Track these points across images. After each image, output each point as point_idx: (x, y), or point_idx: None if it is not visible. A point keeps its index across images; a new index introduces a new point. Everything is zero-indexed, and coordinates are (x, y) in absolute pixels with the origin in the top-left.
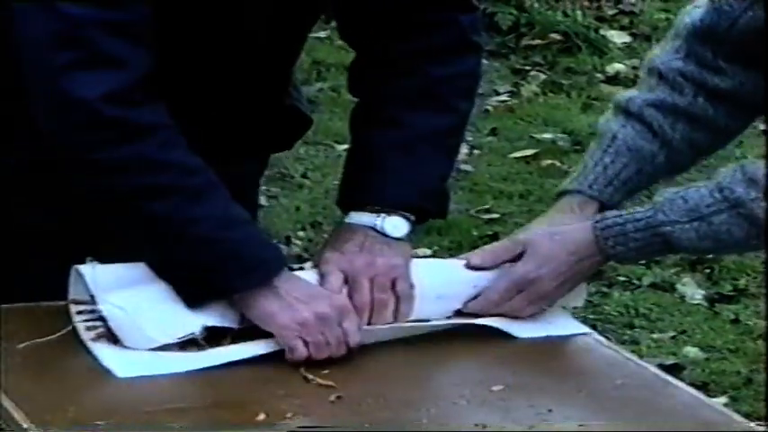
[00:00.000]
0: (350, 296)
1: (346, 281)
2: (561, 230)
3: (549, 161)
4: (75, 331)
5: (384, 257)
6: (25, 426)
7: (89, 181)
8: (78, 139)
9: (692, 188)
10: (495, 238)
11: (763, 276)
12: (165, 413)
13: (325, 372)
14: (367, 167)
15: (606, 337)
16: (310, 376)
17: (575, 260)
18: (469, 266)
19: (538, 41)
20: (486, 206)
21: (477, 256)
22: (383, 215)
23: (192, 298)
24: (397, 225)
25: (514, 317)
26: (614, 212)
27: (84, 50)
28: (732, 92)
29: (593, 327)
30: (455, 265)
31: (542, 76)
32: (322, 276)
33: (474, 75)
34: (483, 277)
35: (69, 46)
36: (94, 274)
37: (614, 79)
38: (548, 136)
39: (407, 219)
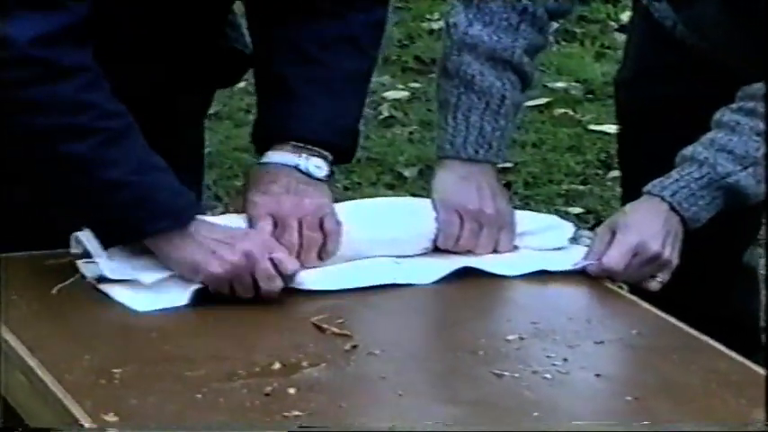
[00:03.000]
0: (278, 237)
1: (275, 223)
2: (633, 213)
3: (563, 110)
4: (83, 278)
5: (310, 198)
6: (41, 374)
7: (9, 120)
8: (2, 77)
9: (719, 137)
10: (508, 186)
11: None
12: (180, 362)
13: (340, 321)
14: (285, 103)
15: (620, 286)
16: (325, 326)
17: (667, 231)
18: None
19: None
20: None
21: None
22: (305, 155)
23: (107, 240)
24: (319, 166)
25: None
26: (668, 180)
27: None
28: (569, 11)
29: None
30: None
31: (555, 25)
32: (250, 220)
33: (384, 25)
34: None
35: None
36: (91, 237)
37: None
38: (561, 85)
39: (326, 159)
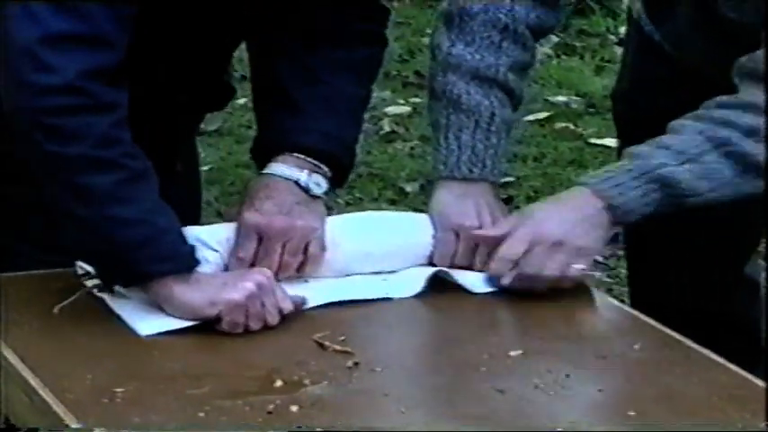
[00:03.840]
0: (259, 257)
1: (260, 240)
2: (542, 203)
3: (563, 124)
4: (88, 294)
5: (302, 220)
6: (43, 393)
7: (40, 145)
8: (42, 103)
9: (663, 138)
10: (509, 201)
11: None
12: (183, 380)
13: (342, 338)
14: (289, 116)
15: (622, 301)
16: (326, 343)
17: (579, 217)
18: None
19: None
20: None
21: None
22: (306, 171)
23: (109, 279)
24: (319, 183)
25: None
26: (598, 171)
27: (82, 25)
28: (557, 25)
29: (609, 290)
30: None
31: (555, 39)
32: (238, 234)
33: (380, 64)
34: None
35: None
36: None
37: None
38: (561, 98)
39: (325, 176)
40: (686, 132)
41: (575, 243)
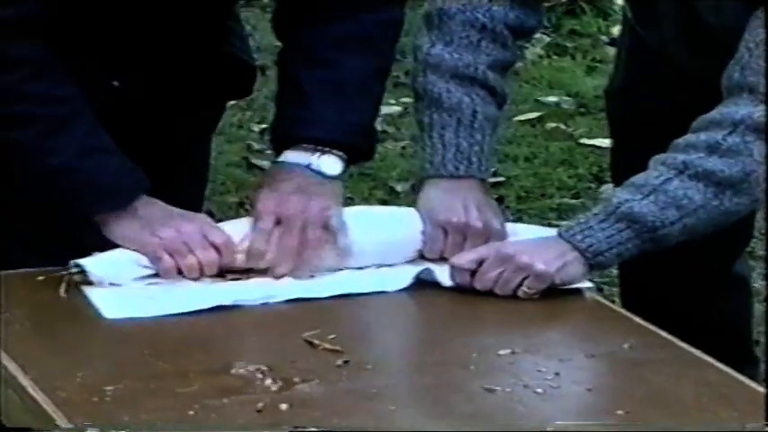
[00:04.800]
0: (281, 237)
1: (279, 221)
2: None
3: (554, 124)
4: (80, 293)
5: (318, 199)
6: (33, 393)
7: None
8: None
9: (632, 177)
10: (500, 201)
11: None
12: (172, 378)
13: (332, 337)
14: (297, 106)
15: (612, 301)
16: (316, 341)
17: (541, 246)
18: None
19: (542, 4)
20: (492, 169)
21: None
22: (317, 154)
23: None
24: (331, 164)
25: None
26: (571, 222)
27: None
28: (538, 26)
29: (600, 290)
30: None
31: (547, 39)
32: (255, 217)
33: (399, 23)
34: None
35: None
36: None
37: None
38: (552, 99)
39: (341, 158)
40: (651, 166)
41: (524, 261)
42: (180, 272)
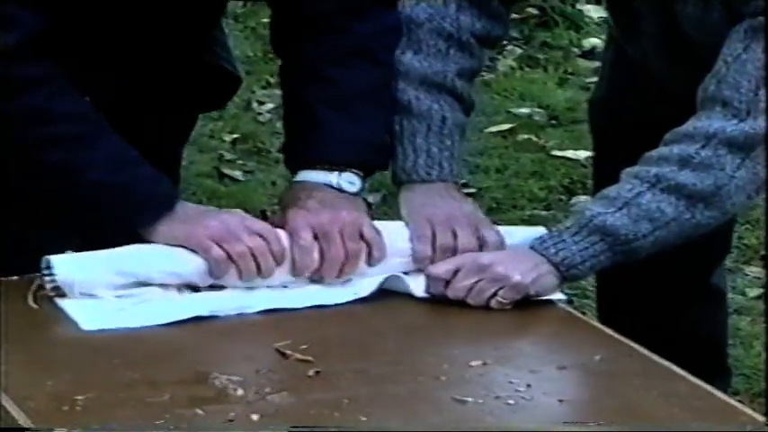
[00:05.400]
0: (322, 250)
1: (316, 236)
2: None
3: (526, 135)
4: (50, 302)
5: (346, 211)
6: (2, 401)
7: None
8: None
9: (604, 190)
10: None
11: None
12: (144, 387)
13: (303, 347)
14: (307, 127)
15: (583, 312)
16: (288, 352)
17: (518, 257)
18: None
19: (514, 16)
20: (463, 181)
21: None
22: (337, 172)
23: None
24: (351, 181)
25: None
26: (544, 234)
27: None
28: (504, 36)
29: (570, 301)
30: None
31: (519, 51)
32: (291, 233)
33: (397, 30)
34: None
35: None
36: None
37: (590, 54)
38: (524, 110)
39: (357, 174)
40: (624, 179)
41: (500, 271)
42: (231, 258)
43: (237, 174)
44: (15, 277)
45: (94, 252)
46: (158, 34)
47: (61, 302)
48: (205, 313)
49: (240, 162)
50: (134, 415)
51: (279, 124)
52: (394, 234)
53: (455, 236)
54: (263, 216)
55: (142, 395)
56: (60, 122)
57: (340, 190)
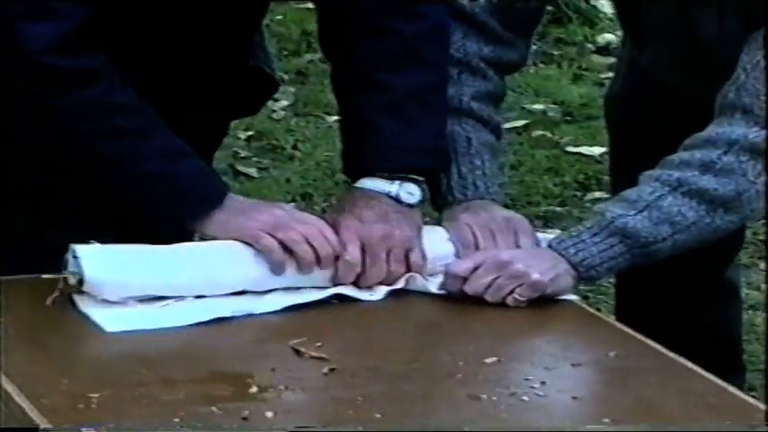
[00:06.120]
0: (367, 266)
1: (363, 249)
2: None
3: (540, 132)
4: (66, 301)
5: (400, 229)
6: (18, 399)
7: (50, 125)
8: (33, 87)
9: (624, 192)
10: None
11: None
12: (158, 385)
13: (318, 345)
14: (362, 136)
15: (598, 309)
16: (303, 349)
17: (537, 255)
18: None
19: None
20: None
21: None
22: (397, 182)
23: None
24: (411, 192)
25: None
26: (563, 234)
27: (28, 4)
28: (521, 61)
29: (585, 297)
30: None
31: (533, 47)
32: (341, 243)
33: (445, 28)
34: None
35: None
36: (87, 252)
37: (605, 50)
38: (539, 107)
39: (419, 184)
40: (644, 181)
41: (519, 268)
42: (285, 248)
43: (252, 171)
44: (30, 276)
45: (125, 247)
46: (201, 34)
47: (83, 305)
48: (227, 314)
49: (255, 159)
50: (149, 413)
51: (293, 121)
52: (435, 240)
53: (494, 238)
54: None
55: (157, 393)
56: (119, 115)
57: (398, 200)
